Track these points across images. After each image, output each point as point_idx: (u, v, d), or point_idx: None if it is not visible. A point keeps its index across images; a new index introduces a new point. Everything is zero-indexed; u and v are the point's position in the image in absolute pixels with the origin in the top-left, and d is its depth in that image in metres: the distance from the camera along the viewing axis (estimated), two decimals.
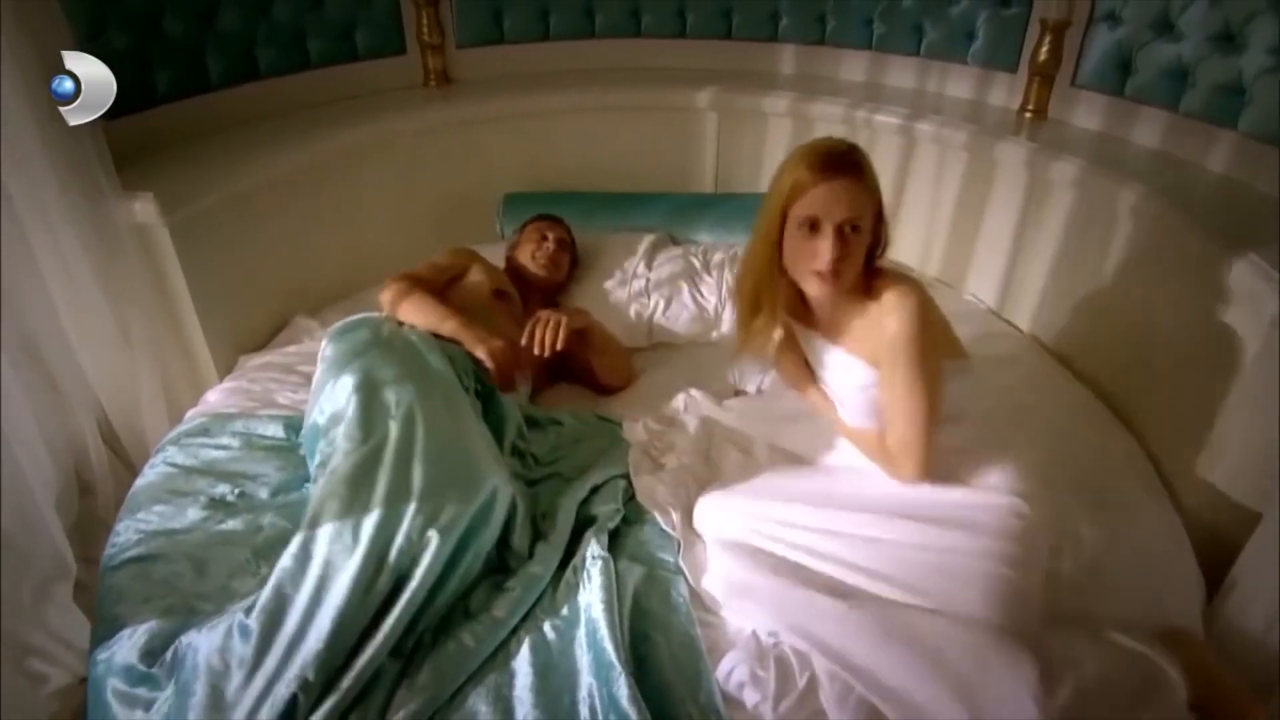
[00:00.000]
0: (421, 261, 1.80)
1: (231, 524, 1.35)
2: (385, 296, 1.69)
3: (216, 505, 1.39)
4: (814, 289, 1.20)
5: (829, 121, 2.23)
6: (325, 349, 1.57)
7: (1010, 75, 2.11)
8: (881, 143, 2.19)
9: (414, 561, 1.12)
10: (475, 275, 1.81)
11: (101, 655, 1.15)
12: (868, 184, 1.16)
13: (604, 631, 1.09)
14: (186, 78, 1.92)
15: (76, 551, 1.55)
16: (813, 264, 1.15)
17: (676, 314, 1.98)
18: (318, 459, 1.34)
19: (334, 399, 1.37)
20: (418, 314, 1.63)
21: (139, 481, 1.50)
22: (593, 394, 1.83)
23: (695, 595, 1.23)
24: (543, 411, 1.68)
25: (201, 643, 1.06)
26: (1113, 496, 1.42)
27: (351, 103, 2.22)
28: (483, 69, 2.45)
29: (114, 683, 1.10)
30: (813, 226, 1.14)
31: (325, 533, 1.12)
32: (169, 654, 1.10)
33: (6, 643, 1.33)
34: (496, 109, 2.35)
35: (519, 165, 2.41)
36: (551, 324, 1.63)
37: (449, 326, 1.60)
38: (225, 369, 1.87)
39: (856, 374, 1.26)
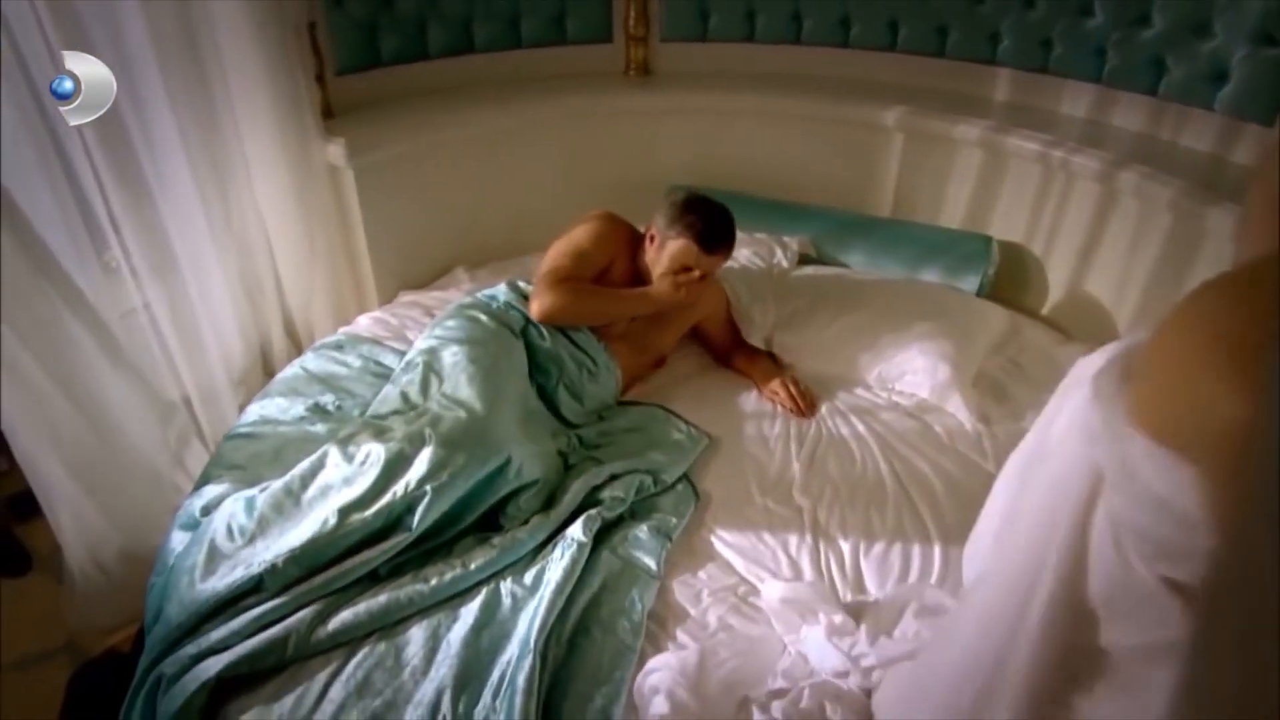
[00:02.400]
0: (566, 251, 1.70)
1: (319, 428, 1.57)
2: (554, 302, 1.60)
3: (316, 410, 1.63)
4: None
5: (1022, 158, 2.00)
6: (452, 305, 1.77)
7: (1265, 129, 1.73)
8: (1077, 190, 1.93)
9: (409, 509, 1.24)
10: (617, 271, 1.74)
11: (188, 501, 1.42)
12: None
13: (542, 611, 1.13)
14: (409, 46, 2.21)
15: None
16: None
17: (799, 338, 1.90)
18: (385, 390, 1.55)
19: (414, 349, 1.60)
20: (605, 306, 1.68)
21: (279, 375, 1.80)
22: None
23: (663, 609, 1.23)
24: (617, 412, 1.71)
25: (227, 504, 1.27)
26: None
27: (549, 81, 2.40)
28: (683, 64, 2.51)
29: (180, 523, 1.36)
30: None
31: (341, 457, 1.29)
32: None
33: (150, 474, 1.70)
34: (685, 103, 2.41)
35: (695, 159, 2.45)
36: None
37: (631, 307, 1.70)
38: (386, 298, 2.15)
39: None
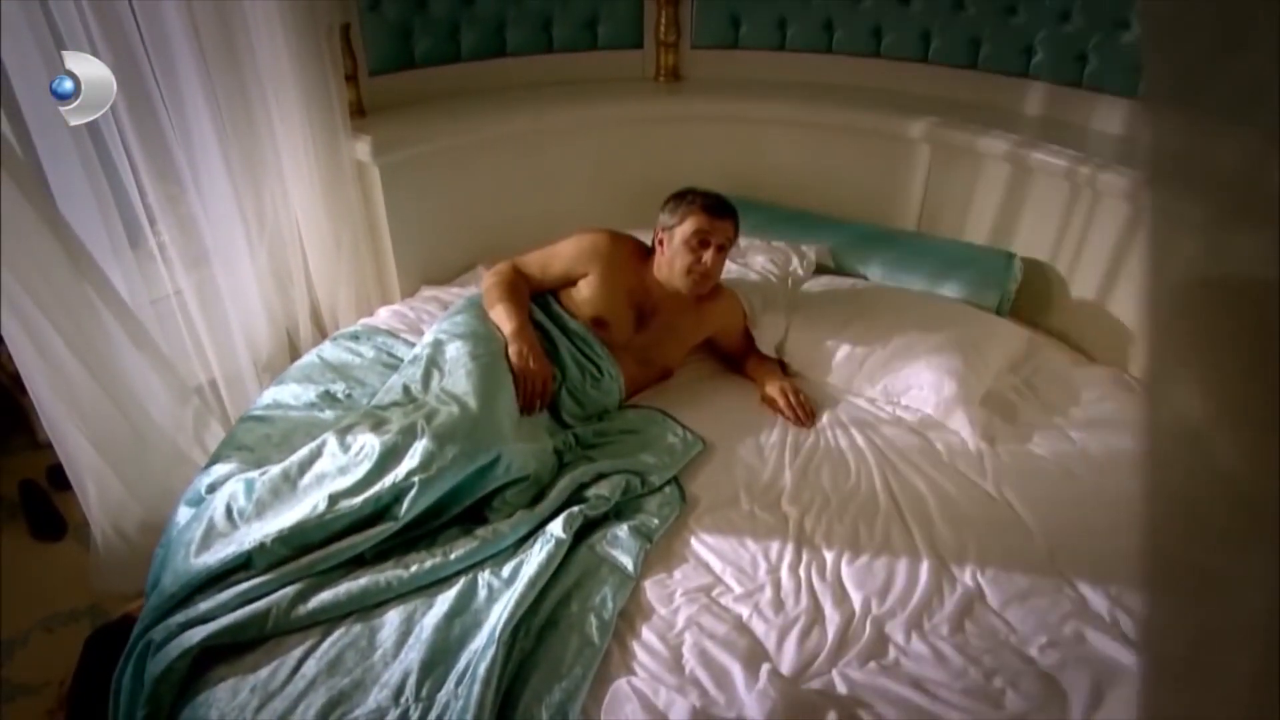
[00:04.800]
0: (542, 249, 1.80)
1: (327, 414, 1.63)
2: (486, 283, 1.75)
3: (326, 397, 1.69)
4: None
5: (1049, 173, 1.96)
6: (461, 300, 1.82)
7: None
8: (1105, 207, 1.88)
9: (397, 499, 1.28)
10: (586, 290, 1.75)
11: (197, 478, 1.49)
12: None
13: (512, 604, 1.16)
14: (441, 48, 2.27)
15: None
16: None
17: (806, 348, 1.89)
18: (390, 380, 1.59)
19: (421, 342, 1.63)
20: (494, 311, 1.70)
21: (296, 362, 1.87)
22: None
23: (633, 607, 1.24)
24: (617, 416, 1.72)
25: (229, 485, 1.33)
26: None
27: (579, 86, 2.43)
28: (713, 70, 2.52)
29: (186, 499, 1.42)
30: None
31: (338, 446, 1.33)
32: None
33: (171, 451, 1.78)
34: (713, 110, 2.42)
35: (720, 166, 2.45)
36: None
37: (503, 324, 1.66)
38: (408, 292, 2.21)
39: None
